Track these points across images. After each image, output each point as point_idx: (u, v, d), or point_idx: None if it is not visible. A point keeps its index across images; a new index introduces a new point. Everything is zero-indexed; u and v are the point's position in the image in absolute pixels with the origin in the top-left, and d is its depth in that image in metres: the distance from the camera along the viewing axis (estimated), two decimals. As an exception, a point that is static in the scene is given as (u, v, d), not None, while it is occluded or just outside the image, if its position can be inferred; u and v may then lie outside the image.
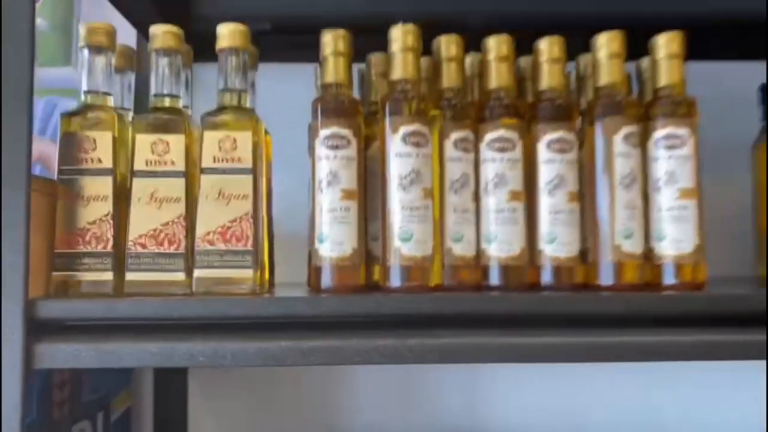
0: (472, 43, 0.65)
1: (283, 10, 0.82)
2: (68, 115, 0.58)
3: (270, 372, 0.92)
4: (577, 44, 0.65)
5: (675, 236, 0.59)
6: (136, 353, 0.51)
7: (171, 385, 0.89)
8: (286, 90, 0.81)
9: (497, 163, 0.61)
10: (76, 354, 0.51)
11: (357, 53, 0.62)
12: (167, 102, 0.59)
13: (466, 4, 0.77)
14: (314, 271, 0.59)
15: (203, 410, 0.92)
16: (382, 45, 0.62)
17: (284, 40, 0.84)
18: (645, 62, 0.68)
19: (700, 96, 0.61)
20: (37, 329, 0.51)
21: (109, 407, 0.82)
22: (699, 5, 0.77)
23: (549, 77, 0.62)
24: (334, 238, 0.58)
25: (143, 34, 0.87)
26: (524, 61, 0.69)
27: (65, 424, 0.70)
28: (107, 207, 0.56)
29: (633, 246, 0.59)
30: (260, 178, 0.58)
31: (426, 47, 0.62)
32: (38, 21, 0.95)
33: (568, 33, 0.63)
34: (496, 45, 0.62)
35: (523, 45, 0.65)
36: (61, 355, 0.51)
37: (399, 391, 0.92)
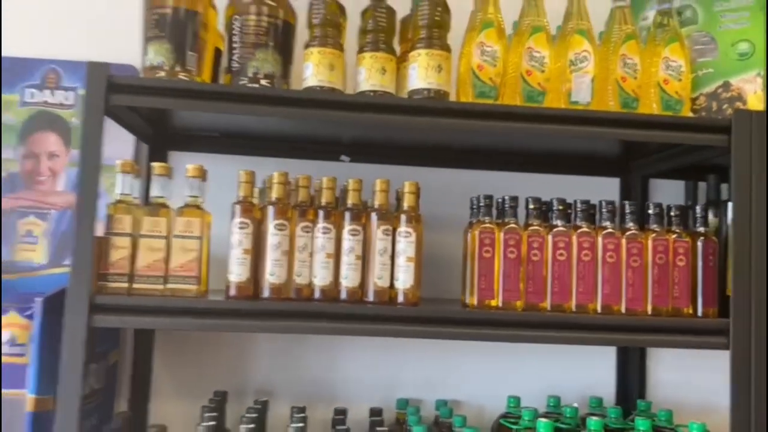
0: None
1: (221, 125, 1.44)
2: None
3: (213, 341, 1.53)
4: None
5: (404, 279, 1.23)
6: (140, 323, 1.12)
7: (142, 347, 1.49)
8: (222, 170, 1.40)
9: (350, 241, 1.24)
10: (107, 321, 1.12)
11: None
12: (160, 200, 1.21)
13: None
14: (227, 287, 1.21)
15: (162, 365, 1.52)
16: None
17: (225, 140, 1.48)
18: (403, 188, 1.31)
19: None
20: (92, 309, 1.12)
21: (108, 358, 1.42)
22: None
23: (379, 198, 1.25)
24: (238, 272, 1.20)
25: (140, 139, 1.49)
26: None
27: (87, 361, 1.29)
28: (126, 251, 1.17)
29: (384, 282, 1.23)
30: (204, 240, 1.20)
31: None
32: (73, 119, 1.55)
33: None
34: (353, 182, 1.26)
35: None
36: (100, 321, 1.12)
37: (278, 357, 1.54)
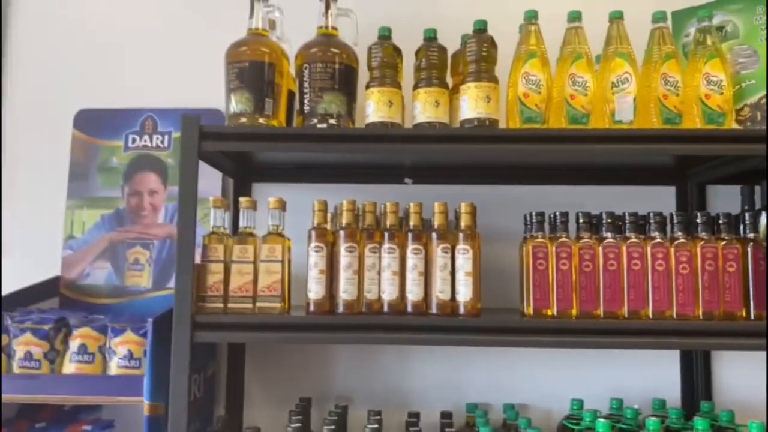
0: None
1: (296, 160, 1.62)
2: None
3: (297, 353, 1.70)
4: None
5: (464, 292, 1.35)
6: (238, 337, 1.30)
7: (235, 360, 1.68)
8: (298, 198, 1.57)
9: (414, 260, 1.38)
10: (207, 337, 1.30)
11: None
12: (248, 230, 1.39)
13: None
14: (307, 304, 1.37)
15: (252, 376, 1.70)
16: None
17: (300, 172, 1.65)
18: (460, 208, 1.43)
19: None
20: (194, 326, 1.30)
21: (206, 369, 1.61)
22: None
23: (438, 219, 1.39)
24: (316, 290, 1.36)
25: (227, 175, 1.69)
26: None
27: (191, 372, 1.48)
28: (220, 276, 1.35)
29: (445, 296, 1.36)
30: (285, 263, 1.37)
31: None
32: (169, 160, 1.77)
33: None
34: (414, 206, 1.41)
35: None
36: (200, 337, 1.30)
37: (355, 366, 1.69)
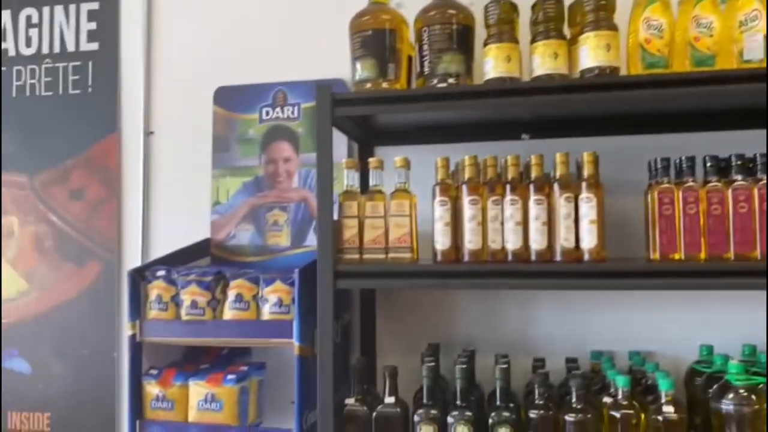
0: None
1: (417, 121, 1.70)
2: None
3: (424, 303, 1.81)
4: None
5: (588, 239, 1.39)
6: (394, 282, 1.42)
7: (366, 310, 1.82)
8: (419, 158, 1.66)
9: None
10: (347, 284, 1.43)
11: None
12: (377, 188, 1.50)
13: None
14: (434, 255, 1.47)
15: (383, 324, 1.84)
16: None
17: (421, 133, 1.74)
18: (582, 157, 1.46)
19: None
20: (335, 275, 1.44)
21: (342, 318, 1.76)
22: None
23: (560, 169, 1.43)
24: (442, 241, 1.45)
25: (352, 139, 1.81)
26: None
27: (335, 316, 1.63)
28: (355, 230, 1.48)
29: (569, 244, 1.40)
30: (412, 217, 1.47)
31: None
32: (299, 129, 1.92)
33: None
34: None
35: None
36: (342, 284, 1.43)
37: (480, 314, 1.77)
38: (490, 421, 1.40)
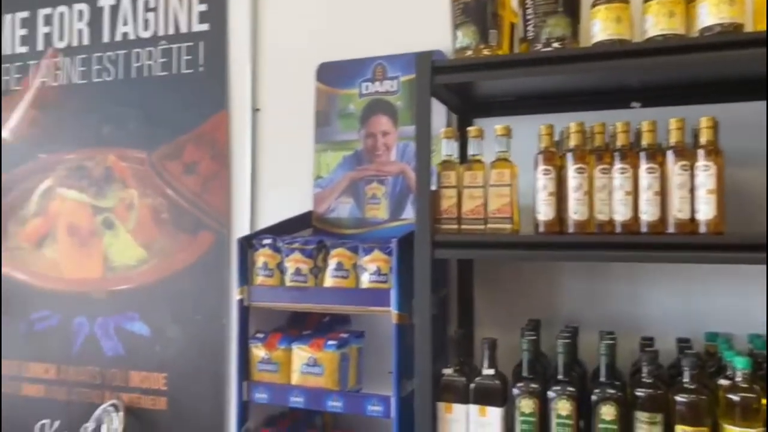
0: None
1: (517, 90, 1.65)
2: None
3: (524, 277, 1.77)
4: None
5: (705, 210, 1.30)
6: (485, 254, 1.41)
7: (464, 283, 1.80)
8: (518, 131, 1.62)
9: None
10: (444, 254, 1.42)
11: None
12: (476, 158, 1.48)
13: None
14: (535, 226, 1.43)
15: (481, 299, 1.81)
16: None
17: (521, 103, 1.69)
18: (700, 123, 1.36)
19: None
20: (433, 244, 1.44)
21: (440, 291, 1.75)
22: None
23: (675, 136, 1.35)
24: (545, 212, 1.41)
25: (451, 110, 1.79)
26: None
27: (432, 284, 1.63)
28: (453, 200, 1.47)
29: (684, 215, 1.31)
30: (513, 188, 1.43)
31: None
32: (398, 103, 1.93)
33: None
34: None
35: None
36: (439, 254, 1.43)
37: (584, 289, 1.71)
38: (594, 398, 1.35)
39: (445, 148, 1.51)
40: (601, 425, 1.33)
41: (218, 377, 2.10)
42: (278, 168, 2.10)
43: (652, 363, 1.34)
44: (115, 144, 2.28)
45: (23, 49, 2.40)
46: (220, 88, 2.16)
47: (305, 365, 1.62)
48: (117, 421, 2.14)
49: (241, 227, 2.10)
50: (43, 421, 2.31)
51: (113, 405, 2.18)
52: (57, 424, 2.30)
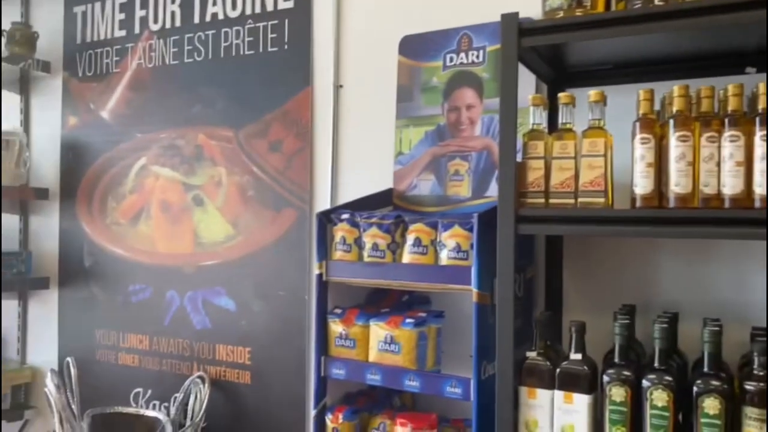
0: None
1: (614, 55, 1.52)
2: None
3: (617, 258, 1.65)
4: None
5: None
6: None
7: (552, 264, 1.69)
8: (614, 102, 1.49)
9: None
10: (529, 229, 1.33)
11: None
12: (567, 126, 1.37)
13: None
14: (632, 200, 1.31)
15: (570, 280, 1.70)
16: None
17: (617, 72, 1.56)
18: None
19: None
20: (517, 219, 1.35)
21: (526, 272, 1.66)
22: None
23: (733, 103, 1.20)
24: (642, 185, 1.28)
25: (540, 79, 1.68)
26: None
27: (516, 263, 1.54)
28: (541, 172, 1.37)
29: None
30: (607, 159, 1.32)
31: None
32: (484, 74, 1.84)
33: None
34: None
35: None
36: (524, 230, 1.34)
37: (684, 273, 1.55)
38: (695, 389, 1.22)
39: (533, 117, 1.42)
40: (703, 419, 1.20)
41: (300, 353, 2.11)
42: (359, 145, 2.07)
43: (765, 354, 1.20)
44: (205, 123, 2.34)
45: (122, 33, 2.51)
46: (304, 66, 2.15)
47: (382, 342, 1.58)
48: (203, 392, 2.20)
49: (323, 204, 2.09)
50: (137, 390, 2.43)
51: (200, 377, 2.25)
52: (149, 393, 2.41)
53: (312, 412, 1.71)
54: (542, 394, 1.35)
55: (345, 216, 1.68)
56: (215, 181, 2.32)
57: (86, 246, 2.58)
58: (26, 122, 2.74)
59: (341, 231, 1.67)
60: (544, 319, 1.42)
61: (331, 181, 2.10)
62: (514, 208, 1.35)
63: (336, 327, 1.66)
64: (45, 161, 2.70)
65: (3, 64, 2.52)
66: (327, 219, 1.71)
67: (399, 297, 1.81)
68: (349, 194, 2.06)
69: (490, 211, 1.46)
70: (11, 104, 2.74)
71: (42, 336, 2.68)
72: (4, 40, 2.55)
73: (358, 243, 1.66)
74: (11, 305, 2.71)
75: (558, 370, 1.35)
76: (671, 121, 1.27)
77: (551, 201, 1.37)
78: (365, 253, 1.63)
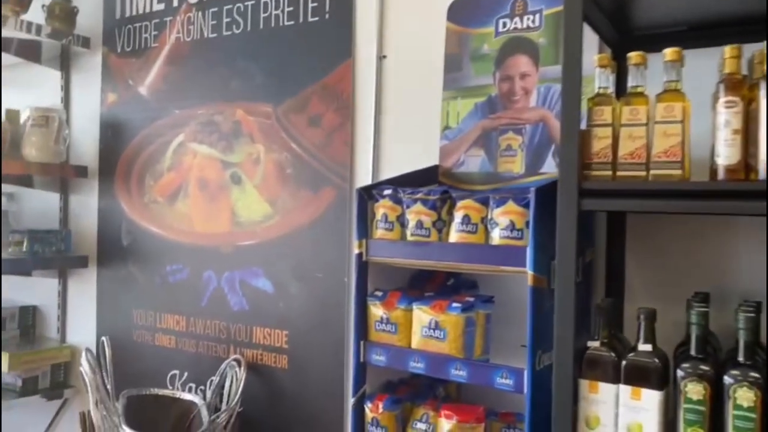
0: None
1: (689, 14, 1.35)
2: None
3: (687, 242, 1.49)
4: None
5: None
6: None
7: (615, 247, 1.54)
8: (695, 64, 1.33)
9: None
10: (594, 204, 1.19)
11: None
12: (638, 89, 1.22)
13: None
14: (712, 171, 1.15)
15: (634, 265, 1.55)
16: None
17: (691, 35, 1.39)
18: None
19: None
20: (581, 193, 1.21)
21: (585, 255, 1.51)
22: None
23: None
24: (726, 154, 1.12)
25: (606, 42, 1.52)
26: None
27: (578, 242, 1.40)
28: (608, 141, 1.22)
29: None
30: (685, 126, 1.16)
31: None
32: (540, 40, 1.69)
33: None
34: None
35: None
36: (587, 205, 1.20)
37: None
38: (788, 388, 1.07)
39: (599, 80, 1.27)
40: (798, 424, 1.05)
41: (338, 338, 2.02)
42: (403, 119, 1.95)
43: None
44: (243, 98, 2.25)
45: (160, 6, 2.44)
46: (346, 36, 2.04)
47: (426, 328, 1.46)
48: (240, 376, 2.13)
49: (364, 183, 1.98)
50: (174, 371, 2.38)
51: (236, 360, 2.18)
52: (185, 375, 2.35)
53: (350, 400, 1.61)
54: (605, 389, 1.21)
55: (387, 191, 1.56)
56: (253, 159, 2.24)
57: (124, 224, 2.54)
58: (66, 99, 2.71)
59: (383, 208, 1.56)
60: (607, 306, 1.27)
61: (373, 158, 1.99)
62: (577, 180, 1.20)
63: (376, 310, 1.55)
64: (84, 139, 2.67)
65: (44, 39, 2.49)
66: (368, 195, 1.60)
67: (444, 280, 1.68)
68: (391, 172, 1.93)
69: (549, 185, 1.32)
70: (52, 81, 2.72)
71: (81, 315, 2.66)
72: (44, 15, 2.51)
73: (401, 221, 1.54)
74: (51, 283, 2.70)
75: (624, 362, 1.20)
76: (762, 83, 1.11)
77: (619, 173, 1.22)
78: (408, 232, 1.51)
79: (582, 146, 1.24)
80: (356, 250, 1.58)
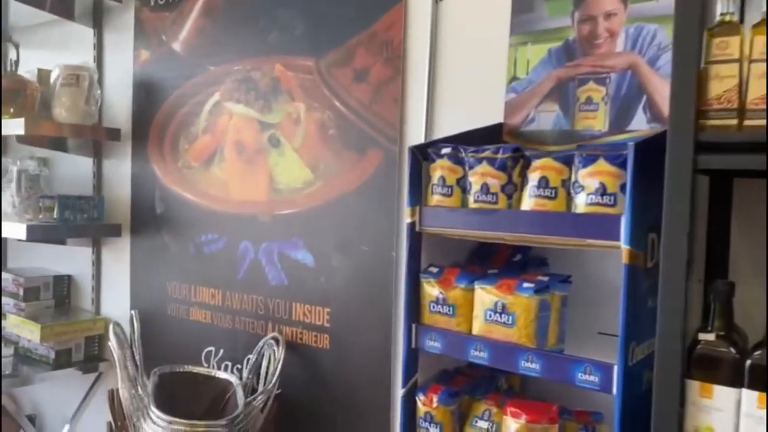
0: None
1: None
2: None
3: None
4: None
5: None
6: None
7: (718, 222, 1.27)
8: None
9: None
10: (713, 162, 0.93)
11: None
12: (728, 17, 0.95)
13: None
14: None
15: (742, 246, 1.28)
16: None
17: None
18: None
19: None
20: (697, 148, 0.95)
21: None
22: None
23: None
24: None
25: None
26: None
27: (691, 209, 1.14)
28: (733, 81, 0.96)
29: None
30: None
31: None
32: (628, -28, 1.41)
33: None
34: None
35: None
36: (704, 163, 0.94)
37: None
38: None
39: (722, 5, 1.00)
40: None
41: (386, 319, 1.81)
42: (462, 71, 1.70)
43: None
44: (282, 52, 2.04)
45: (194, -48, 2.24)
46: (396, -23, 1.79)
47: (491, 311, 1.24)
48: (278, 355, 1.95)
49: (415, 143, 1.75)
50: (209, 348, 2.22)
51: (275, 338, 2.01)
52: (221, 352, 2.20)
53: (399, 391, 1.40)
54: (722, 393, 0.97)
55: (446, 150, 1.33)
56: (293, 119, 2.03)
57: (158, 191, 2.38)
58: (99, 59, 2.55)
59: (440, 169, 1.33)
60: (726, 290, 1.02)
61: (426, 116, 1.75)
62: (693, 131, 0.95)
63: (431, 289, 1.33)
64: (117, 101, 2.51)
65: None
66: (422, 154, 1.37)
67: (510, 256, 1.45)
68: (446, 132, 1.68)
69: (650, 139, 1.06)
70: (84, 39, 2.56)
71: (115, 286, 2.54)
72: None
73: (462, 184, 1.31)
74: (85, 252, 2.58)
75: (749, 361, 0.95)
76: None
77: (746, 123, 0.96)
78: (471, 198, 1.28)
79: (698, 89, 0.98)
80: (408, 219, 1.36)
